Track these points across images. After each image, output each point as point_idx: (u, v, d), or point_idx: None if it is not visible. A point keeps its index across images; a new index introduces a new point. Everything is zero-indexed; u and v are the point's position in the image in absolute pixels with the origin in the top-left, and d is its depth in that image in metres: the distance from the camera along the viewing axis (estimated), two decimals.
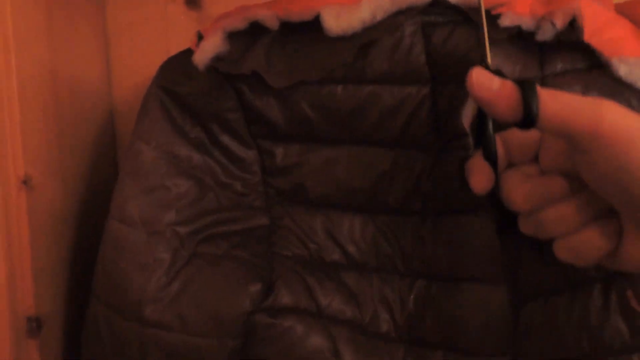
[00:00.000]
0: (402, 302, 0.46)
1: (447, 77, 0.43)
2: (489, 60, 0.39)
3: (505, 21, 0.42)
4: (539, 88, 0.35)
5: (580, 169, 0.36)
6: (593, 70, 0.42)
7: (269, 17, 0.45)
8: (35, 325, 0.46)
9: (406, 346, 0.45)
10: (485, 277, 0.43)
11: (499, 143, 0.40)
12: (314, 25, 0.43)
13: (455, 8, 0.43)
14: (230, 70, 0.46)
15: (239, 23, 0.45)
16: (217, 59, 0.46)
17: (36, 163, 0.47)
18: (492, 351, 0.43)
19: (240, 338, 0.45)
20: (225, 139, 0.48)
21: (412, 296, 0.46)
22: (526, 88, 0.35)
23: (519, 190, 0.39)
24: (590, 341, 0.42)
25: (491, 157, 0.40)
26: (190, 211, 0.47)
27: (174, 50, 0.50)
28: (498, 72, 0.37)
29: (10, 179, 0.44)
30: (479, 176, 0.40)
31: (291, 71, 0.45)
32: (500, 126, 0.40)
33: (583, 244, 0.37)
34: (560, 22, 0.41)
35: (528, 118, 0.35)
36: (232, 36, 0.46)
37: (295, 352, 0.44)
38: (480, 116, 0.41)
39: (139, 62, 0.63)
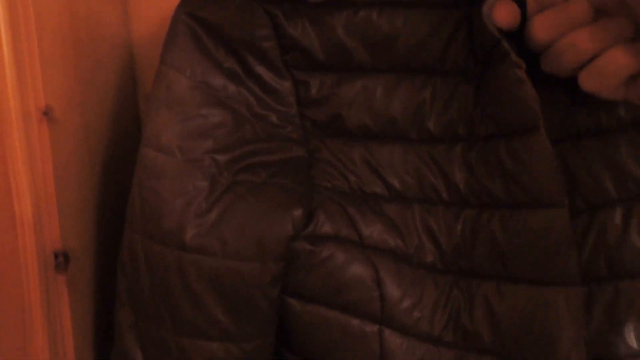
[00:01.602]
0: (448, 233, 0.45)
1: None
2: None
3: None
4: None
5: None
6: None
7: None
8: (62, 260, 0.46)
9: (454, 277, 0.44)
10: (546, 200, 0.41)
11: None
12: None
13: None
14: None
15: None
16: None
17: (56, 96, 0.46)
18: (558, 279, 0.42)
19: (283, 262, 0.44)
20: (260, 70, 0.47)
21: (459, 226, 0.45)
22: None
23: (541, 19, 0.39)
24: (607, 262, 0.42)
25: None
26: (228, 140, 0.46)
27: None
28: None
29: (30, 110, 0.44)
30: (504, 10, 0.39)
31: None
32: None
33: (607, 65, 0.37)
34: None
35: None
36: None
37: (336, 279, 0.44)
38: None
39: (156, 2, 0.61)
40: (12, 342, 0.45)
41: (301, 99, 0.47)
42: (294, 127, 0.48)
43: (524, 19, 0.40)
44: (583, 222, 0.43)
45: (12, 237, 0.44)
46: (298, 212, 0.45)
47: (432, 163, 0.45)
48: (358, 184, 0.47)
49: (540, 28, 0.39)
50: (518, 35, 0.41)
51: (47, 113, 0.45)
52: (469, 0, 0.42)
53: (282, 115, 0.47)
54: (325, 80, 0.46)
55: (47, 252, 0.45)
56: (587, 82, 0.39)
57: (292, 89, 0.47)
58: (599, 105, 0.42)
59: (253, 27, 0.46)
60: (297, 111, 0.47)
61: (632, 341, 0.42)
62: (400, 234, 0.45)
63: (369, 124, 0.46)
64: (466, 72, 0.44)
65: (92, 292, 0.51)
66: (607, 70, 0.38)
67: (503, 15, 0.39)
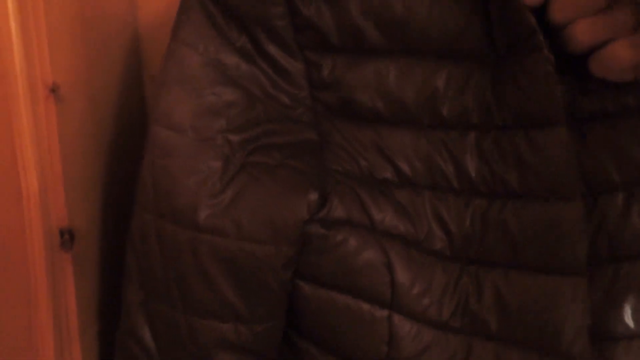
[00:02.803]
0: (458, 220, 0.44)
1: None
2: None
3: None
4: None
5: None
6: None
7: None
8: (68, 238, 0.46)
9: (462, 264, 0.44)
10: (562, 193, 0.41)
11: None
12: None
13: None
14: None
15: None
16: None
17: (64, 74, 0.46)
18: (565, 268, 0.42)
19: (297, 246, 0.44)
20: (272, 49, 0.46)
21: (469, 214, 0.44)
22: None
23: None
24: (608, 244, 0.42)
25: None
26: (241, 120, 0.46)
27: None
28: None
29: (38, 87, 0.43)
30: None
31: None
32: None
33: (610, 58, 0.38)
34: None
35: None
36: None
37: (348, 264, 0.44)
38: None
39: None
40: (17, 319, 0.45)
41: (313, 81, 0.47)
42: (305, 109, 0.47)
43: None
44: (586, 207, 0.43)
45: (18, 214, 0.44)
46: (314, 196, 0.45)
47: (443, 149, 0.45)
48: (368, 169, 0.46)
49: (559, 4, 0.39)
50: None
51: (54, 90, 0.45)
52: None
53: (293, 97, 0.47)
54: (338, 62, 0.46)
55: (52, 229, 0.45)
56: (596, 69, 0.40)
57: (304, 70, 0.47)
58: (606, 91, 0.42)
59: (266, 4, 0.45)
60: (309, 93, 0.47)
61: (629, 321, 0.42)
62: (410, 219, 0.45)
63: (380, 108, 0.45)
64: (482, 59, 0.43)
65: (98, 270, 0.51)
66: (610, 62, 0.39)
67: None
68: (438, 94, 0.44)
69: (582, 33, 0.39)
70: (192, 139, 0.45)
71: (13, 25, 0.42)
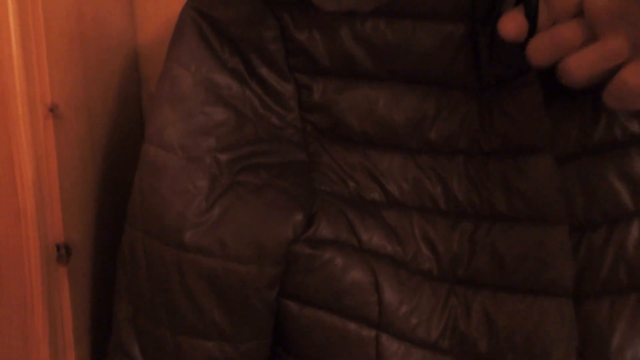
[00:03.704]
0: (446, 242, 0.44)
1: (488, 16, 0.42)
2: None
3: None
4: None
5: None
6: None
7: None
8: (64, 252, 0.47)
9: (450, 284, 0.44)
10: (546, 217, 0.42)
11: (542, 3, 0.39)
12: None
13: None
14: None
15: None
16: None
17: (63, 94, 0.47)
18: (551, 289, 0.42)
19: (281, 266, 0.44)
20: (264, 71, 0.47)
21: (456, 236, 0.44)
22: None
23: (538, 40, 0.38)
24: (628, 273, 0.41)
25: (531, 12, 0.38)
26: (230, 139, 0.46)
27: None
28: None
29: (37, 106, 0.45)
30: (511, 22, 0.39)
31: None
32: None
33: (621, 88, 0.36)
34: None
35: None
36: None
37: (335, 283, 0.44)
38: None
39: (162, 2, 0.62)
40: (14, 332, 0.46)
41: (303, 103, 0.47)
42: (295, 130, 0.47)
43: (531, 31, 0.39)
44: (602, 236, 0.42)
45: (15, 229, 0.44)
46: (299, 217, 0.45)
47: (431, 173, 0.45)
48: (357, 190, 0.46)
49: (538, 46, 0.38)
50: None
51: (53, 110, 0.45)
52: (478, 16, 0.42)
53: (283, 118, 0.47)
54: (328, 85, 0.46)
55: (49, 244, 0.46)
56: (612, 102, 0.38)
57: (294, 92, 0.47)
58: (613, 121, 0.42)
59: (260, 28, 0.46)
60: (299, 115, 0.47)
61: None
62: (399, 240, 0.45)
63: (369, 132, 0.46)
64: (469, 88, 0.43)
65: (93, 285, 0.51)
66: (624, 92, 0.36)
67: (511, 28, 0.39)
68: (426, 119, 0.44)
69: (577, 68, 0.37)
70: (181, 158, 0.45)
71: (15, 47, 0.43)
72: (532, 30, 0.38)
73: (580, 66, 0.37)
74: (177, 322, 0.46)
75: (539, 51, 0.38)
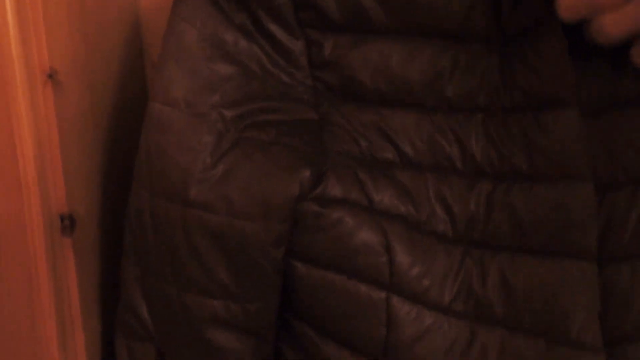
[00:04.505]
0: (462, 203, 0.43)
1: None
2: None
3: None
4: None
5: None
6: None
7: None
8: (68, 223, 0.46)
9: (466, 247, 0.43)
10: (569, 175, 0.40)
11: None
12: None
13: None
14: None
15: None
16: None
17: (61, 59, 0.46)
18: (573, 252, 0.40)
19: (288, 223, 0.44)
20: (272, 27, 0.46)
21: (473, 197, 0.43)
22: None
23: None
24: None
25: None
26: (236, 95, 0.46)
27: None
28: None
29: (35, 72, 0.44)
30: None
31: None
32: None
33: None
34: None
35: None
36: None
37: (344, 243, 0.43)
38: None
39: None
40: (19, 306, 0.46)
41: (313, 60, 0.46)
42: (306, 88, 0.47)
43: None
44: (626, 196, 0.41)
45: (17, 200, 0.44)
46: (306, 173, 0.44)
47: (448, 131, 0.44)
48: (369, 149, 0.45)
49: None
50: None
51: (51, 76, 0.45)
52: None
53: (293, 76, 0.47)
54: (339, 41, 0.45)
55: (53, 215, 0.45)
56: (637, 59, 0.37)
57: (304, 49, 0.46)
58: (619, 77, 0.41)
59: None
60: (309, 73, 0.46)
61: None
62: (412, 200, 0.44)
63: (382, 89, 0.44)
64: (489, 40, 0.42)
65: (98, 255, 0.51)
66: None
67: None
68: (443, 75, 0.43)
69: (614, 26, 0.36)
70: (186, 114, 0.45)
71: (9, 11, 0.42)
72: None
73: (618, 24, 0.36)
74: (184, 281, 0.46)
75: (572, 6, 0.37)
